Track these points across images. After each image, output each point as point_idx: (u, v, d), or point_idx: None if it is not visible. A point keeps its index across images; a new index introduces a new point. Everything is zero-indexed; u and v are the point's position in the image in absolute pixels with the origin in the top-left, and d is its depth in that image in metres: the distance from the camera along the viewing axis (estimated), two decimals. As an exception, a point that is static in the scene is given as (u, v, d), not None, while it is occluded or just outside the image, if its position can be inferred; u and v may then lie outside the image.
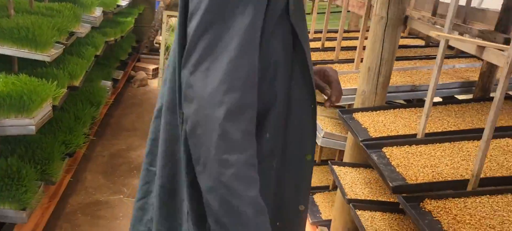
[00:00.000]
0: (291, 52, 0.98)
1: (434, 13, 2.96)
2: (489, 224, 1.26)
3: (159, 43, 6.12)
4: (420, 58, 2.87)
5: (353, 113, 2.12)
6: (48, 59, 2.54)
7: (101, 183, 3.23)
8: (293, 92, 1.00)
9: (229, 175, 0.83)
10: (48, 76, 2.63)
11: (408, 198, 1.40)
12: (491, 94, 2.23)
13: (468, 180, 1.46)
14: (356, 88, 2.24)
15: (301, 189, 1.08)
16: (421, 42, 3.36)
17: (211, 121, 0.83)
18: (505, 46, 1.32)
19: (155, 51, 6.53)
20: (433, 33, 1.52)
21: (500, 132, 1.78)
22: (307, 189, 1.10)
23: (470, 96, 2.34)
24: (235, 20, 0.84)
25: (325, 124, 2.50)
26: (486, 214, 1.30)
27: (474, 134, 1.79)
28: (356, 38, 2.90)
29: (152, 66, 6.06)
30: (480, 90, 2.22)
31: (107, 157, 3.64)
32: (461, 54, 2.85)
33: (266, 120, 0.97)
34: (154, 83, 5.73)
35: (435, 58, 2.88)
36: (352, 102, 2.31)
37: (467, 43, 1.48)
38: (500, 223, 1.26)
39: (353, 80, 2.47)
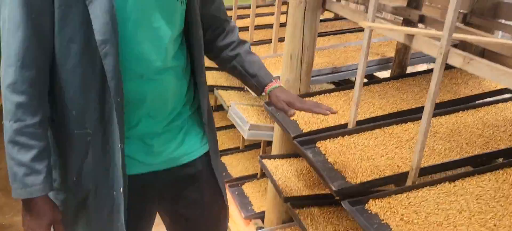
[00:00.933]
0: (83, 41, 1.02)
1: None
2: (436, 221, 1.25)
3: None
4: (333, 33, 2.86)
5: (279, 104, 2.03)
6: None
7: (1, 203, 2.84)
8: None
9: (6, 138, 1.03)
10: None
11: (354, 202, 1.36)
12: (409, 70, 2.28)
13: (407, 172, 1.45)
14: (279, 77, 2.15)
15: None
16: (330, 15, 3.36)
17: (1, 90, 1.02)
18: (437, 32, 1.29)
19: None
20: (364, 24, 1.45)
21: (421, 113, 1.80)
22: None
23: (388, 72, 2.38)
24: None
25: (250, 115, 2.40)
26: (431, 210, 1.29)
27: (401, 117, 1.80)
28: (273, 14, 2.76)
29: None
30: (397, 67, 2.25)
31: (4, 170, 3.21)
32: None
33: (68, 97, 1.07)
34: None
35: (347, 32, 2.91)
36: (276, 91, 2.21)
37: (396, 32, 1.43)
38: (446, 219, 1.26)
39: (272, 65, 2.38)
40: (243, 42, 1.40)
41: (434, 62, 1.75)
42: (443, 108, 1.83)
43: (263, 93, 1.38)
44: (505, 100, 1.88)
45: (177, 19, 1.18)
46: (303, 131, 1.81)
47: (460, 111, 1.81)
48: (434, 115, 1.78)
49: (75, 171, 1.15)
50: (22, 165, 1.03)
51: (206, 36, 1.33)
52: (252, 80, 1.34)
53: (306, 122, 1.87)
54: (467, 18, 2.21)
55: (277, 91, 1.32)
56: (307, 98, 1.41)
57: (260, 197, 2.53)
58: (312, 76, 2.16)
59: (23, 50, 0.98)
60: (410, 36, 1.45)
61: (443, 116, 1.79)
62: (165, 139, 1.26)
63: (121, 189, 1.14)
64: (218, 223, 1.51)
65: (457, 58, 1.23)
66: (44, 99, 1.06)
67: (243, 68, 1.34)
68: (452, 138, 1.65)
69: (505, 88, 1.96)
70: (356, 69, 1.73)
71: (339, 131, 1.75)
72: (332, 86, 2.88)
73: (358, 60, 2.27)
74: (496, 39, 1.86)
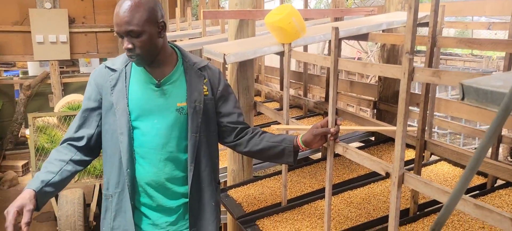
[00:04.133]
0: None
1: (281, 86, 3.44)
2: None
3: (25, 136, 5.82)
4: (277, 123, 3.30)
5: (228, 191, 2.41)
6: None
7: None
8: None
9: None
10: None
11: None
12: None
13: (324, 238, 1.82)
14: (226, 167, 2.55)
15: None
16: (276, 105, 3.85)
17: None
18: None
19: (21, 144, 6.18)
20: (274, 128, 1.88)
21: (341, 187, 2.22)
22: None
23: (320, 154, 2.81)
24: None
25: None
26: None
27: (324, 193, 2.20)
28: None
29: (21, 162, 5.73)
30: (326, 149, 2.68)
31: None
32: (308, 113, 3.37)
33: (105, 167, 1.59)
34: (26, 180, 5.42)
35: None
36: (226, 179, 2.60)
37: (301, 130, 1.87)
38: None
39: (222, 157, 2.78)
40: (256, 129, 1.67)
41: (359, 142, 2.18)
42: (358, 182, 2.25)
43: (300, 149, 1.60)
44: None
45: (175, 122, 1.53)
46: (246, 212, 2.18)
47: (371, 184, 2.22)
48: (350, 188, 2.19)
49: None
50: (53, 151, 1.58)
51: (232, 139, 1.64)
52: (282, 144, 1.60)
53: (249, 203, 2.24)
54: (377, 105, 2.70)
55: (304, 137, 1.58)
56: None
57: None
58: (254, 164, 2.57)
59: (75, 127, 1.58)
60: (314, 131, 1.89)
61: (358, 188, 2.20)
62: None
63: None
64: None
65: (339, 148, 1.66)
66: (77, 147, 1.57)
67: (269, 142, 1.61)
68: (363, 206, 2.05)
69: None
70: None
71: (274, 209, 2.13)
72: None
73: (294, 146, 2.71)
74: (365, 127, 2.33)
